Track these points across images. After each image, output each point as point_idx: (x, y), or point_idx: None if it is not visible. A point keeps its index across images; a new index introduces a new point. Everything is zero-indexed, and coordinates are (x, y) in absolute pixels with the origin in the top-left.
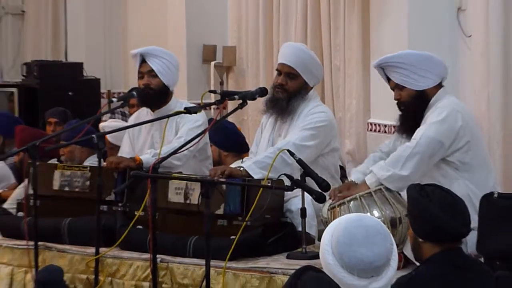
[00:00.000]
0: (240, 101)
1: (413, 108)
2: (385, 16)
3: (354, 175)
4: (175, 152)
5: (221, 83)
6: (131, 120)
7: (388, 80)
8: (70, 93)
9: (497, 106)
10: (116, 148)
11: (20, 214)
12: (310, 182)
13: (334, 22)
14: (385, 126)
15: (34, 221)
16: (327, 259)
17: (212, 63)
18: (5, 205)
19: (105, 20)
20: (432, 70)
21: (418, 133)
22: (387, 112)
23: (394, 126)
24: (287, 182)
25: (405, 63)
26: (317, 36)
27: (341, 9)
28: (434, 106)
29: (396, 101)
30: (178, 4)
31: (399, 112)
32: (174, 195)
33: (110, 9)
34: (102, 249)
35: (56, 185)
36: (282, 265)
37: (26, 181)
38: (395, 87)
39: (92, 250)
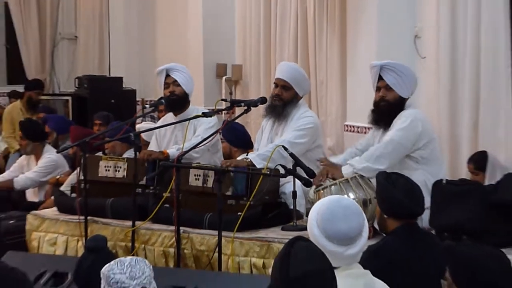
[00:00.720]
0: (245, 107)
1: (392, 108)
2: (358, 43)
3: (333, 160)
4: (194, 147)
5: (230, 94)
6: (159, 123)
7: (378, 80)
8: (112, 101)
9: (445, 115)
10: (148, 144)
11: (73, 195)
12: (299, 171)
13: (318, 47)
14: (358, 127)
15: (84, 201)
16: (314, 231)
17: (224, 78)
18: (62, 188)
19: (139, 44)
20: (412, 85)
21: (388, 136)
22: (360, 116)
23: (365, 128)
24: (282, 171)
25: (403, 72)
26: (305, 57)
27: (323, 37)
28: (401, 113)
29: (378, 98)
30: (196, 32)
31: (373, 108)
32: (194, 180)
33: (143, 36)
34: (137, 223)
35: (101, 172)
36: (278, 235)
37: (78, 169)
38: (384, 87)
39: (129, 223)
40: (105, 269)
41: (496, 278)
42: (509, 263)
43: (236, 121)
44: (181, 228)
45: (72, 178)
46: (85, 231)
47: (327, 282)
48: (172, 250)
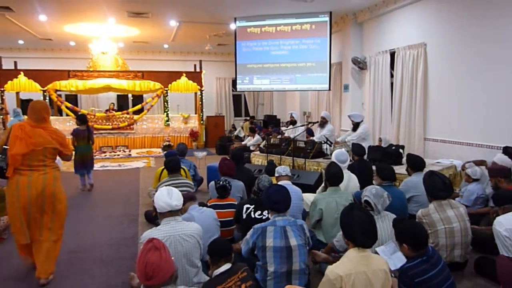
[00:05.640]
0: (313, 124)
1: (356, 125)
2: (345, 107)
3: (338, 139)
4: (298, 135)
5: (307, 120)
6: (289, 127)
7: (350, 119)
8: (273, 122)
9: (371, 125)
10: (284, 133)
11: (263, 148)
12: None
13: (332, 105)
14: (346, 130)
15: (266, 150)
16: (333, 159)
17: (305, 115)
18: (261, 146)
19: (279, 104)
20: (361, 117)
21: (357, 132)
22: (348, 126)
23: (347, 130)
24: (322, 142)
25: (354, 115)
26: (328, 109)
27: (336, 101)
28: (360, 125)
29: (352, 125)
30: (297, 100)
31: (351, 126)
32: (297, 144)
33: (284, 102)
34: (282, 156)
35: (272, 142)
36: (323, 160)
37: (264, 140)
38: (351, 120)
39: (278, 156)
40: (277, 168)
41: (387, 171)
42: (392, 168)
43: (309, 127)
44: (294, 157)
45: (263, 143)
46: (267, 158)
47: (341, 173)
48: (291, 164)
